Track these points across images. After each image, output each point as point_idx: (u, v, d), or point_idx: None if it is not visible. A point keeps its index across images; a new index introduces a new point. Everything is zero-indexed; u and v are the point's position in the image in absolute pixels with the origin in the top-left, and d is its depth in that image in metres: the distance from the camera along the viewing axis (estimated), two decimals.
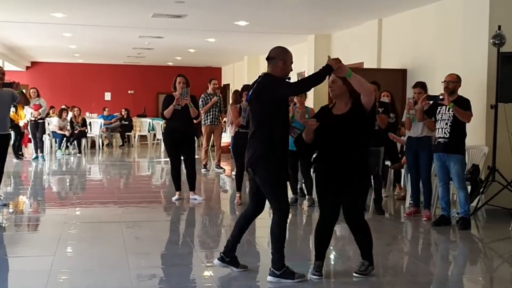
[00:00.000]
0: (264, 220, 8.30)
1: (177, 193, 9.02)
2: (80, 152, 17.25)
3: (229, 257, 5.30)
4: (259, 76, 5.11)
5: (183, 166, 9.02)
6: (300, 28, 14.01)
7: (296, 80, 5.24)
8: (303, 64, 15.79)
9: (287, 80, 5.10)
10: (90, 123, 18.76)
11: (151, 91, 25.29)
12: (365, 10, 11.32)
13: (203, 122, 12.82)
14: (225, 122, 13.74)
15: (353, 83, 4.93)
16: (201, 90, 13.01)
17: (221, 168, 13.03)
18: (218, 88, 13.21)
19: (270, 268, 5.02)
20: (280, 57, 5.04)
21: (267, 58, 5.11)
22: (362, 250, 5.33)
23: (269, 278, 5.00)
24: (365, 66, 12.38)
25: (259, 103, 5.01)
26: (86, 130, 17.98)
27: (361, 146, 5.06)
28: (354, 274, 5.21)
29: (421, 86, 7.99)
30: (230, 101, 9.96)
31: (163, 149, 14.62)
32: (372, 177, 8.31)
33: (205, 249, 6.43)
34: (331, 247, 6.72)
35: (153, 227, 7.52)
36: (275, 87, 4.94)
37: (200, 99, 12.50)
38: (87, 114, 21.27)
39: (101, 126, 19.06)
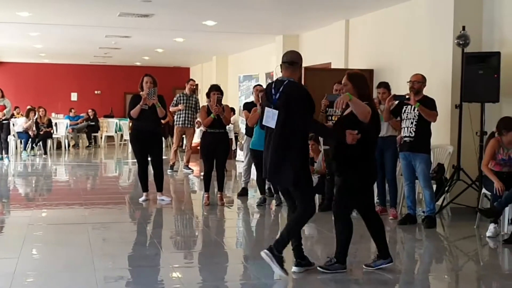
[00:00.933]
0: (232, 221, 8.31)
1: (144, 194, 8.96)
2: (45, 153, 17.04)
3: (303, 260, 5.41)
4: (279, 81, 5.20)
5: (150, 167, 8.98)
6: (268, 29, 14.03)
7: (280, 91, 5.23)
8: (271, 65, 15.82)
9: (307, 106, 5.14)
10: (56, 123, 18.53)
11: (118, 91, 25.08)
12: (332, 10, 11.38)
13: (175, 123, 12.76)
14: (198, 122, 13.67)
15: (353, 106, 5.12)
16: (169, 90, 12.95)
17: (190, 168, 12.98)
18: (195, 89, 13.13)
19: (270, 245, 5.09)
20: (300, 62, 5.31)
21: (289, 63, 5.23)
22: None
23: (265, 251, 5.07)
24: (332, 67, 12.44)
25: (286, 110, 5.08)
26: (52, 131, 17.76)
27: (355, 151, 5.13)
28: (318, 268, 5.33)
29: (385, 86, 8.07)
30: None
31: (130, 149, 14.51)
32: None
33: (173, 251, 6.40)
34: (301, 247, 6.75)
35: (120, 228, 7.46)
36: (296, 105, 5.07)
37: (175, 98, 12.44)
38: (53, 114, 21.00)
39: (67, 126, 18.85)
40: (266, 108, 5.20)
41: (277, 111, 5.09)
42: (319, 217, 8.08)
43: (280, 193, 8.80)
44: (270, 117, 5.13)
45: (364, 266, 5.47)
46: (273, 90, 5.17)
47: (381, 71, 10.82)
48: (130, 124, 14.05)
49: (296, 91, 5.12)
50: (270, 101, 5.19)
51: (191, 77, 25.32)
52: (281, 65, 5.29)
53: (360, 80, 5.31)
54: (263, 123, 5.19)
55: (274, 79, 5.37)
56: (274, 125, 5.10)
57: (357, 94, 5.17)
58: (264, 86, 14.28)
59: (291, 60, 5.26)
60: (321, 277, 5.31)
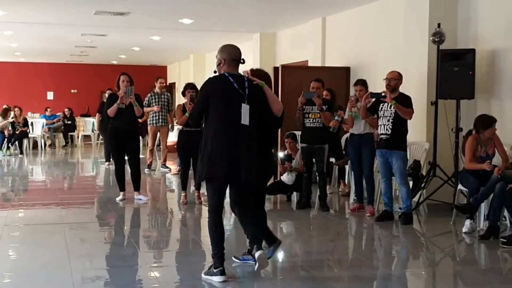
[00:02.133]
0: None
1: (121, 193, 8.91)
2: (21, 152, 16.87)
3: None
4: (239, 76, 5.07)
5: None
6: (245, 26, 14.02)
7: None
8: (249, 63, 15.78)
9: None
10: (32, 123, 18.35)
11: (95, 90, 24.87)
12: (309, 8, 11.40)
13: (149, 122, 12.68)
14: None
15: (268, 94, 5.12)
16: (146, 89, 12.87)
17: (167, 167, 12.93)
18: (164, 86, 13.07)
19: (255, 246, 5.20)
20: None
21: (243, 61, 5.14)
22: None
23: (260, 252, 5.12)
24: (309, 64, 12.47)
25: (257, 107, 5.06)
26: (28, 130, 17.59)
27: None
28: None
29: (362, 83, 8.11)
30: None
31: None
32: (317, 174, 8.41)
33: (150, 250, 6.38)
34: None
35: (97, 228, 7.41)
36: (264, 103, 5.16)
37: (146, 98, 12.36)
38: (29, 114, 20.80)
39: (43, 126, 18.67)
40: (243, 104, 4.91)
41: (248, 106, 4.96)
42: (297, 215, 8.13)
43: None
44: (244, 114, 4.93)
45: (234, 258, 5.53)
46: (236, 85, 4.95)
47: (358, 68, 10.87)
48: (99, 122, 13.98)
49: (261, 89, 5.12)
50: (238, 97, 4.94)
51: (168, 76, 25.25)
52: (241, 61, 5.11)
53: (266, 78, 5.40)
54: (242, 122, 4.91)
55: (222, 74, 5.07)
56: (247, 122, 4.95)
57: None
58: None
59: (239, 58, 5.12)
60: (300, 275, 5.32)
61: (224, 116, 4.91)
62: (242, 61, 5.12)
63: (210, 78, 5.11)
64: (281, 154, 9.44)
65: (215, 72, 5.17)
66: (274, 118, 5.18)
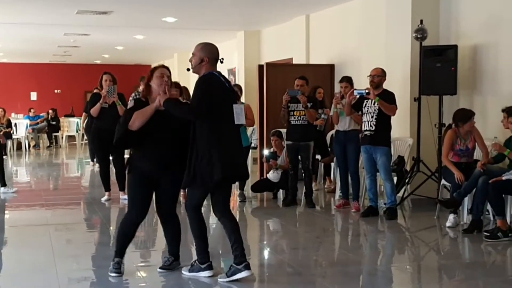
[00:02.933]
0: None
1: (107, 193, 8.88)
2: (5, 154, 16.74)
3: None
4: (224, 76, 5.06)
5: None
6: (229, 24, 14.02)
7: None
8: (233, 61, 15.82)
9: None
10: (15, 124, 18.24)
11: (78, 90, 24.77)
12: (293, 6, 11.42)
13: None
14: None
15: None
16: (130, 88, 12.83)
17: None
18: None
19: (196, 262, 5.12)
20: None
21: (222, 61, 5.06)
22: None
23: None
24: (294, 62, 12.50)
25: None
26: (12, 132, 17.47)
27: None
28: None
29: (347, 80, 8.16)
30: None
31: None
32: (302, 171, 8.44)
33: (137, 250, 6.36)
34: (265, 242, 6.78)
35: (83, 229, 7.39)
36: None
37: (131, 97, 12.31)
38: (12, 115, 20.66)
39: (27, 127, 18.56)
40: (234, 105, 4.91)
41: (243, 106, 5.15)
42: (283, 212, 8.15)
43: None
44: (239, 113, 4.94)
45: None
46: (227, 84, 4.98)
47: (342, 65, 10.91)
48: (84, 121, 13.88)
49: None
50: (232, 96, 5.03)
51: None
52: (221, 60, 5.05)
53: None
54: (236, 121, 4.89)
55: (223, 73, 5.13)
56: (244, 121, 5.03)
57: None
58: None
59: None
60: (287, 271, 5.35)
61: (228, 116, 4.89)
62: (221, 60, 5.04)
63: (208, 75, 4.91)
64: (266, 152, 9.46)
65: (188, 70, 5.10)
66: None
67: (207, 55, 4.92)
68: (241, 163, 5.14)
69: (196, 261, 5.11)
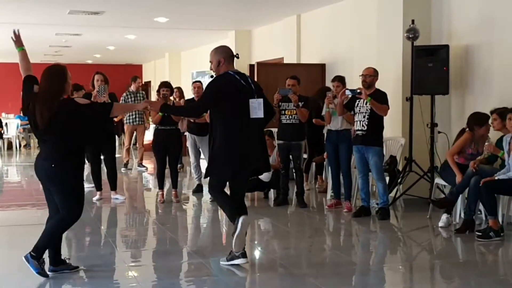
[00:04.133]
0: (187, 218, 8.29)
1: (98, 193, 8.85)
2: None
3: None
4: (241, 74, 5.29)
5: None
6: (220, 24, 14.00)
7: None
8: None
9: None
10: (6, 123, 18.14)
11: (70, 90, 24.63)
12: (284, 5, 11.41)
13: (125, 121, 12.61)
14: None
15: None
16: (122, 88, 12.81)
17: (144, 166, 12.87)
18: (141, 86, 13.05)
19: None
20: None
21: (238, 56, 5.36)
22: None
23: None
24: (285, 61, 12.49)
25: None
26: (2, 131, 17.38)
27: None
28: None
29: (339, 79, 8.16)
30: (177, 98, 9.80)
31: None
32: (294, 171, 8.43)
33: (128, 249, 6.34)
34: (256, 242, 6.76)
35: (74, 228, 7.29)
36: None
37: (122, 97, 12.30)
38: (3, 114, 20.54)
39: (17, 126, 18.46)
40: (250, 100, 5.19)
41: (262, 100, 5.24)
42: (275, 212, 8.14)
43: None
44: (257, 108, 5.19)
45: None
46: (243, 81, 5.21)
47: (333, 65, 10.91)
48: None
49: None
50: (247, 92, 5.22)
51: (143, 74, 25.12)
52: (236, 56, 5.35)
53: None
54: (252, 116, 5.17)
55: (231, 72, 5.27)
56: (262, 114, 5.22)
57: None
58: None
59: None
60: (278, 271, 5.34)
61: (242, 112, 5.15)
62: (236, 56, 5.33)
63: (221, 75, 5.24)
64: None
65: (212, 77, 5.38)
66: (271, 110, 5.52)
67: (222, 55, 5.25)
68: (258, 157, 5.32)
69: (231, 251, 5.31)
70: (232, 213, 5.27)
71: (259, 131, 5.35)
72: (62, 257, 5.28)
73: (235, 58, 5.34)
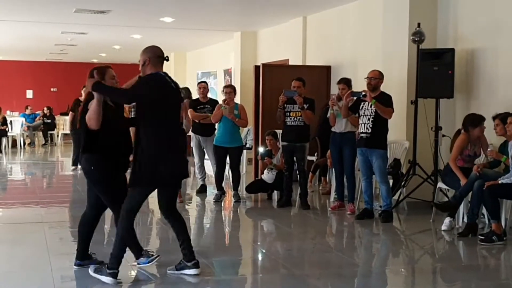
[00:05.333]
0: (191, 218, 8.30)
1: None
2: (0, 151, 16.71)
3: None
4: (169, 76, 5.03)
5: None
6: (226, 25, 14.01)
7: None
8: (230, 62, 15.81)
9: None
10: (11, 121, 18.20)
11: (75, 88, 24.63)
12: (290, 7, 11.42)
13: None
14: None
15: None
16: None
17: None
18: None
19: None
20: None
21: (168, 59, 5.04)
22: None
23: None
24: (290, 63, 12.49)
25: None
26: (7, 129, 17.43)
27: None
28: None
29: (345, 82, 8.15)
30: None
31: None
32: (297, 172, 8.43)
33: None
34: (259, 243, 6.77)
35: (77, 227, 7.34)
36: None
37: None
38: (8, 112, 20.61)
39: (22, 124, 18.51)
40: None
41: None
42: (278, 213, 8.15)
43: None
44: None
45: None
46: (173, 84, 4.99)
47: (338, 67, 10.91)
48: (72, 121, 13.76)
49: None
50: (178, 96, 5.06)
51: None
52: (165, 58, 5.04)
53: None
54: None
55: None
56: None
57: None
58: (222, 83, 14.15)
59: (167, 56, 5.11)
60: (281, 272, 5.34)
61: (173, 117, 4.91)
62: (166, 58, 5.02)
63: (151, 75, 4.90)
64: (261, 150, 9.44)
65: (140, 77, 5.08)
66: None
67: (149, 55, 4.94)
68: (183, 163, 5.03)
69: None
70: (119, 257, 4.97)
71: (184, 137, 5.19)
72: (89, 252, 5.32)
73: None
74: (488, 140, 7.08)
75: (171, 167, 4.83)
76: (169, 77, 4.99)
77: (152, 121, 4.81)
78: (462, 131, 7.09)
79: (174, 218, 5.08)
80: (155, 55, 4.94)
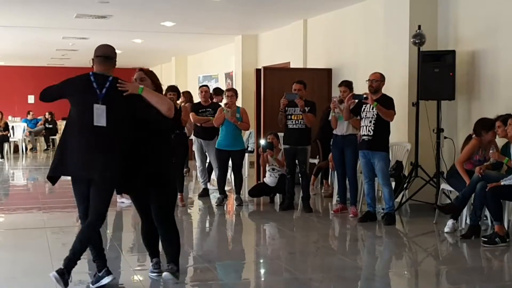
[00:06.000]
0: (193, 222, 8.29)
1: None
2: (2, 157, 16.72)
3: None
4: (104, 76, 4.90)
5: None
6: (227, 29, 14.02)
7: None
8: (231, 65, 15.82)
9: None
10: (12, 127, 18.22)
11: None
12: (290, 10, 11.42)
13: None
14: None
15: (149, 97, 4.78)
16: None
17: None
18: None
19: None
20: (115, 58, 5.08)
21: (105, 57, 4.95)
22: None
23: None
24: (291, 66, 12.50)
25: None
26: (9, 135, 17.45)
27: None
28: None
29: (346, 84, 8.17)
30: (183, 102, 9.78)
31: None
32: (299, 175, 8.43)
33: (133, 253, 6.35)
34: (261, 246, 6.77)
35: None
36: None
37: None
38: (10, 117, 20.63)
39: (24, 130, 18.53)
40: (95, 105, 4.74)
41: (104, 107, 4.76)
42: (280, 216, 8.14)
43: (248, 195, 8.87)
44: (100, 115, 4.74)
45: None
46: (95, 84, 4.81)
47: (339, 70, 10.91)
48: None
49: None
50: (92, 96, 4.78)
51: None
52: (92, 59, 4.99)
53: (154, 75, 5.23)
54: (95, 123, 4.71)
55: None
56: (105, 123, 4.73)
57: (154, 87, 5.03)
58: (223, 87, 14.15)
59: (107, 54, 5.01)
60: (284, 276, 5.34)
61: (79, 115, 4.84)
62: (107, 57, 4.96)
63: (76, 76, 4.99)
64: (262, 142, 9.42)
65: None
66: (164, 118, 4.86)
67: (94, 54, 5.00)
68: (88, 163, 4.77)
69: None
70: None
71: (106, 140, 4.73)
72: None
73: (101, 59, 4.95)
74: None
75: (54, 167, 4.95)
76: (99, 76, 4.86)
77: (68, 118, 4.98)
78: (474, 136, 7.01)
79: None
80: (94, 55, 4.99)
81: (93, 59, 4.97)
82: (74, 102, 4.90)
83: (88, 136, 4.73)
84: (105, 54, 4.96)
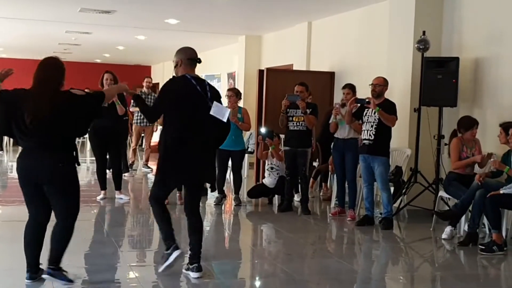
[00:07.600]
0: None
1: (102, 192, 8.85)
2: (1, 149, 16.71)
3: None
4: (200, 79, 5.07)
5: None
6: (231, 29, 14.02)
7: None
8: (234, 65, 15.81)
9: None
10: None
11: (78, 88, 24.63)
12: (295, 12, 11.43)
13: (133, 121, 12.64)
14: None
15: None
16: (130, 88, 12.77)
17: (149, 167, 12.88)
18: (151, 86, 13.06)
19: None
20: None
21: (200, 61, 5.12)
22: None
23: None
24: (294, 68, 12.49)
25: None
26: None
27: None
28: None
29: (350, 87, 8.18)
30: None
31: (89, 147, 14.32)
32: (299, 178, 8.42)
33: (130, 249, 6.35)
34: (258, 247, 6.76)
35: (77, 226, 7.24)
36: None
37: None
38: None
39: None
40: (215, 102, 4.96)
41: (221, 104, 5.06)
42: (278, 218, 8.13)
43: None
44: (219, 111, 4.98)
45: None
46: (199, 87, 4.97)
47: (342, 73, 10.90)
48: None
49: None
50: (201, 99, 4.96)
51: (152, 76, 25.14)
52: (197, 60, 5.13)
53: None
54: (225, 119, 4.96)
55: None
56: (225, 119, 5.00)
57: None
58: (225, 87, 14.14)
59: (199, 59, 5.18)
60: (280, 277, 5.33)
61: (189, 118, 4.91)
62: (198, 60, 5.11)
63: (172, 79, 5.08)
64: (263, 130, 9.39)
65: (174, 77, 5.16)
66: (224, 125, 5.10)
67: (181, 57, 5.06)
68: (198, 167, 5.05)
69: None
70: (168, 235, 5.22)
71: (211, 141, 5.06)
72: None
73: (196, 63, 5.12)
74: (494, 148, 7.09)
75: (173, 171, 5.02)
76: (197, 79, 5.04)
77: (171, 123, 5.00)
78: (458, 133, 7.22)
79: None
80: (186, 57, 5.06)
81: (180, 61, 5.07)
82: (179, 106, 4.96)
83: (198, 139, 4.98)
84: (194, 57, 5.12)
